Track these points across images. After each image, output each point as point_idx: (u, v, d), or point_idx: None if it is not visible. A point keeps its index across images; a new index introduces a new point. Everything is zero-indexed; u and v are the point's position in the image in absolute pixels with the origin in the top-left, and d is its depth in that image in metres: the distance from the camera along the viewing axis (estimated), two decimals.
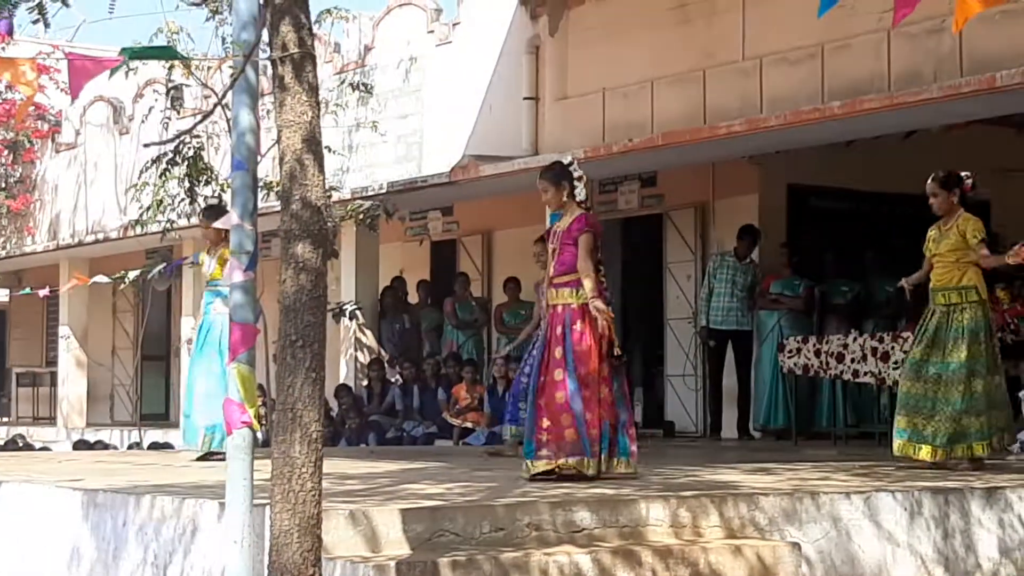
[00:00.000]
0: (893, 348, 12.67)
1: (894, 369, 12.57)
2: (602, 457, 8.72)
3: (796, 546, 7.33)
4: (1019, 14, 10.00)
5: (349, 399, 17.35)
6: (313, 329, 5.72)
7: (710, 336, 15.34)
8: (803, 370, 13.69)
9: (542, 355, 8.91)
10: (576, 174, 8.95)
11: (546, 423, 8.74)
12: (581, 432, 8.63)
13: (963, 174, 9.99)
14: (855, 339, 13.19)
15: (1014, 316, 12.93)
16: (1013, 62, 10.99)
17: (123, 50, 5.82)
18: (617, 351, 8.84)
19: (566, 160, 9.16)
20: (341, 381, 18.00)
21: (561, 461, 8.65)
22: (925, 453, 9.81)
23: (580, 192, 8.96)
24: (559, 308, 8.89)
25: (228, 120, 7.46)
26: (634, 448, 8.88)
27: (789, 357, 13.76)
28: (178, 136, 6.69)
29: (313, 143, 5.71)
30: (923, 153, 15.21)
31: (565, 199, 8.96)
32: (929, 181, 10.03)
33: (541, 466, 8.69)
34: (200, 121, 5.03)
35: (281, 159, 5.73)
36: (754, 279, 15.26)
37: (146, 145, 6.93)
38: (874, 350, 12.86)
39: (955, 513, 8.02)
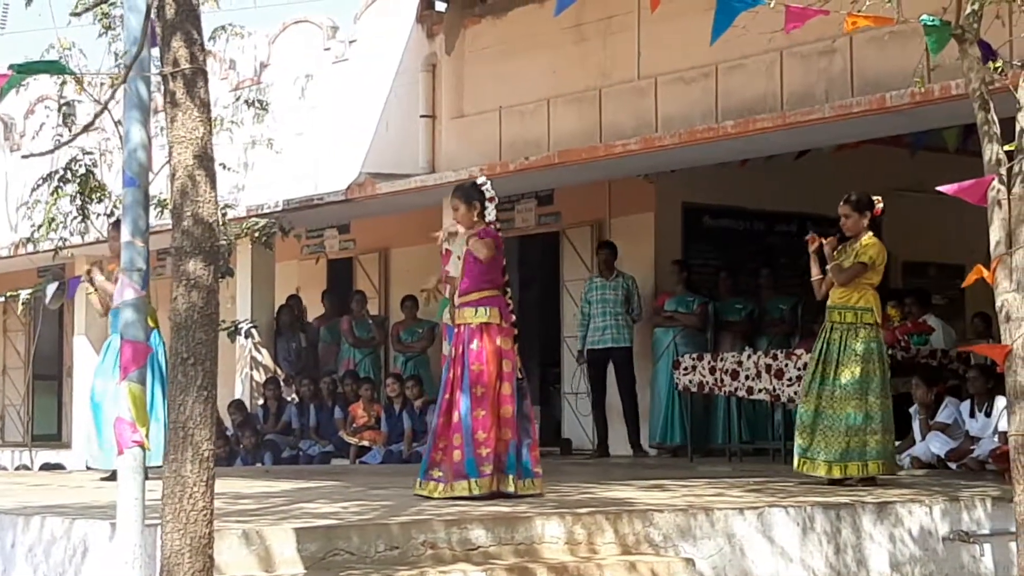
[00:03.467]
0: (787, 365, 12.79)
1: (788, 386, 12.70)
2: (510, 477, 8.71)
3: (690, 562, 7.38)
4: (908, 35, 10.14)
5: (241, 415, 17.19)
6: (205, 347, 5.68)
7: (589, 358, 15.40)
8: (698, 387, 13.77)
9: (446, 375, 8.94)
10: (488, 194, 9.00)
11: (442, 443, 8.76)
12: (467, 453, 8.62)
13: (874, 198, 10.13)
14: (749, 356, 13.30)
15: (904, 333, 13.11)
16: (902, 83, 11.14)
17: (11, 66, 5.75)
18: (518, 374, 8.88)
19: (479, 180, 9.19)
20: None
21: (449, 486, 8.64)
22: (822, 469, 9.91)
23: (491, 212, 9.02)
24: (461, 328, 8.92)
25: (121, 137, 7.38)
26: (538, 470, 8.89)
27: (684, 374, 13.85)
28: (59, 146, 6.58)
29: (205, 159, 5.68)
30: (816, 173, 15.41)
31: (476, 219, 9.00)
32: (842, 203, 10.15)
33: (429, 489, 8.68)
34: (82, 131, 4.98)
35: (172, 175, 5.69)
36: (628, 292, 15.27)
37: (24, 157, 6.85)
38: (768, 367, 12.98)
39: (847, 528, 8.11)
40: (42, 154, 5.54)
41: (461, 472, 8.63)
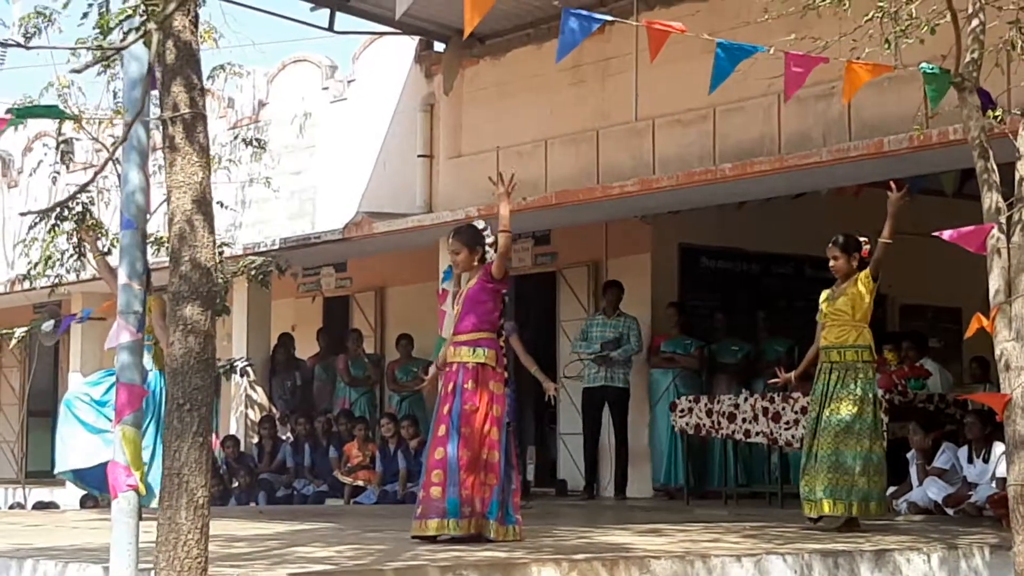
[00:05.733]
0: (784, 408, 12.76)
1: (786, 429, 12.67)
2: (492, 523, 8.66)
3: None
4: (907, 80, 10.14)
5: (235, 450, 17.14)
6: (201, 392, 5.65)
7: (584, 396, 15.38)
8: (695, 429, 13.74)
9: (435, 413, 8.92)
10: (489, 240, 9.01)
11: (425, 480, 8.73)
12: (450, 493, 8.57)
13: (861, 239, 10.18)
14: (746, 399, 13.26)
15: (901, 377, 13.07)
16: (900, 127, 11.14)
17: (9, 110, 5.74)
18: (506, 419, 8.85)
19: (479, 224, 9.19)
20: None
21: (423, 523, 8.58)
22: (827, 507, 9.90)
23: (490, 255, 9.02)
24: (454, 366, 8.88)
25: (119, 175, 7.36)
26: (519, 516, 8.83)
27: (681, 416, 13.81)
28: (55, 207, 6.60)
29: (203, 204, 5.66)
30: (813, 215, 15.40)
31: (476, 263, 8.99)
32: (830, 244, 10.22)
33: (413, 529, 8.64)
34: (80, 191, 4.97)
35: (170, 220, 5.67)
36: (626, 331, 15.21)
37: (22, 215, 6.85)
38: (765, 410, 12.95)
39: None
40: (41, 212, 5.52)
41: (440, 510, 8.58)
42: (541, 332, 17.04)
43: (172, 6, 3.98)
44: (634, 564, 7.44)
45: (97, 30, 5.49)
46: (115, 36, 6.08)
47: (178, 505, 5.57)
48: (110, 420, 9.19)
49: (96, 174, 4.81)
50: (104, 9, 5.37)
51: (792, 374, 10.71)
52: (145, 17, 4.99)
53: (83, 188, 5.22)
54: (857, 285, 10.08)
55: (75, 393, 11.22)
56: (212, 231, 5.70)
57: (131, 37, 4.81)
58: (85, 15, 5.53)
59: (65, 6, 5.60)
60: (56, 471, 11.41)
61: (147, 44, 4.65)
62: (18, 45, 4.88)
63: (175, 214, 5.65)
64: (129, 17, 5.15)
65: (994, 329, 7.24)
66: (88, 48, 5.64)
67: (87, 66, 4.60)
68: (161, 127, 5.76)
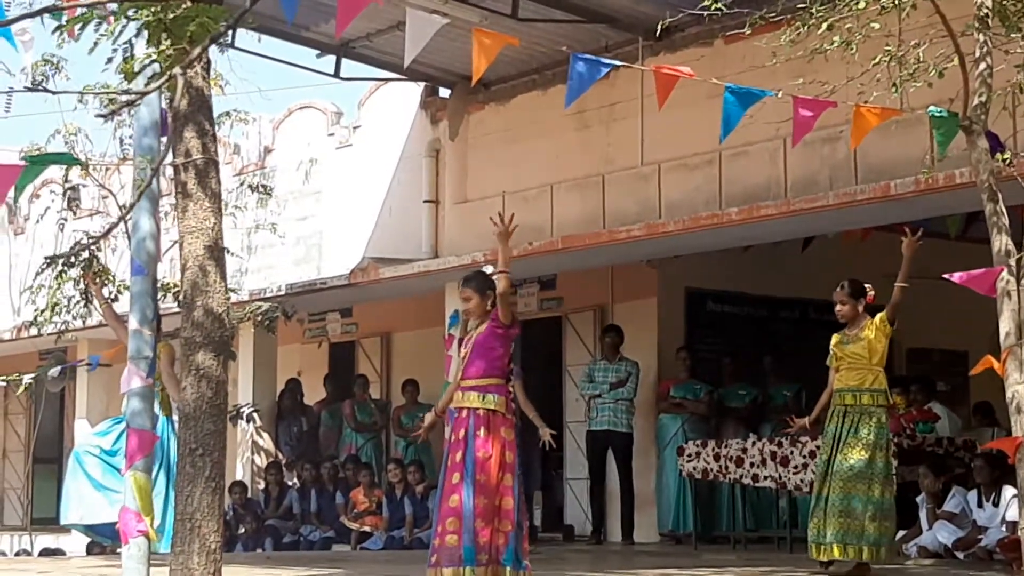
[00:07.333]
0: (792, 452, 12.72)
1: (794, 474, 12.62)
2: (507, 569, 8.60)
3: None
4: (913, 124, 10.18)
5: (242, 496, 17.09)
6: (213, 437, 5.66)
7: (588, 439, 15.36)
8: (702, 474, 13.69)
9: (446, 460, 8.86)
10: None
11: (439, 528, 8.67)
12: (466, 540, 8.51)
13: (866, 285, 10.22)
14: (754, 443, 13.22)
15: (910, 421, 13.05)
16: (907, 171, 11.17)
17: (24, 158, 5.76)
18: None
19: (487, 270, 9.19)
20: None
21: (439, 572, 8.50)
22: (837, 552, 9.86)
23: None
24: (464, 412, 8.84)
25: (126, 221, 7.38)
26: (527, 562, 8.78)
27: (688, 461, 13.77)
28: (76, 251, 6.60)
29: (215, 250, 5.68)
30: (819, 259, 15.40)
31: (488, 307, 8.98)
32: (837, 290, 10.26)
33: None
34: (97, 240, 4.97)
35: (183, 266, 5.68)
36: (619, 379, 15.17)
37: (47, 258, 6.82)
38: (773, 454, 12.90)
39: None
40: (57, 258, 5.53)
41: (456, 558, 8.52)
42: (547, 377, 17.03)
43: (197, 51, 4.01)
44: None
45: (122, 75, 5.49)
46: (138, 81, 6.08)
47: (190, 550, 5.56)
48: (118, 470, 9.19)
49: (114, 226, 4.80)
50: (128, 55, 5.38)
51: (806, 420, 10.66)
52: (169, 61, 5.00)
53: (103, 237, 5.21)
54: (873, 330, 10.08)
55: (85, 446, 11.17)
56: (224, 277, 5.72)
57: (155, 83, 4.82)
58: (110, 60, 5.56)
59: (91, 52, 5.63)
60: (62, 522, 11.43)
61: (171, 89, 4.66)
62: (38, 89, 4.89)
63: (187, 260, 5.66)
64: (154, 62, 5.18)
65: (1005, 372, 7.24)
66: (101, 94, 5.65)
67: (112, 112, 4.61)
68: (173, 173, 5.77)
